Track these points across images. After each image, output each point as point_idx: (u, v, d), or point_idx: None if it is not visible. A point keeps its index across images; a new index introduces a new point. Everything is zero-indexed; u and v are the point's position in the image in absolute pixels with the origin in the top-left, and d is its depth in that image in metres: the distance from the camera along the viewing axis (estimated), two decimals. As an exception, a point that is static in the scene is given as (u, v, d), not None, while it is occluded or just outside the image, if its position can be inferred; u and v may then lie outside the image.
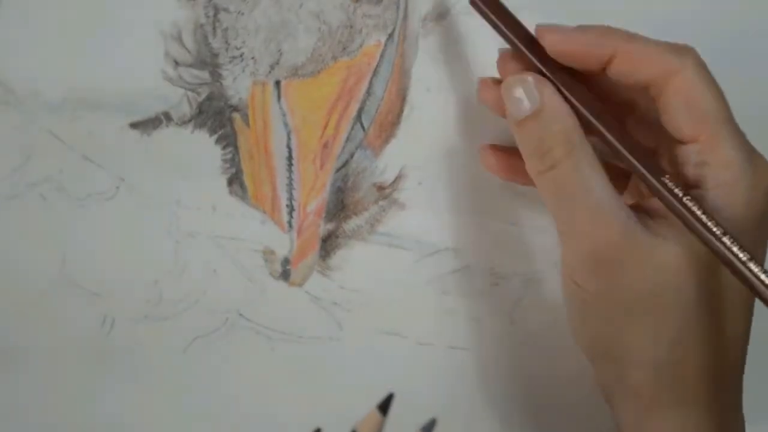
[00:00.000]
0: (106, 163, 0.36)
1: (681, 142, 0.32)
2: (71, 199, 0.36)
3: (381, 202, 0.38)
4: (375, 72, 0.37)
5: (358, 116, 0.37)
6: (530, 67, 0.33)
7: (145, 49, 0.35)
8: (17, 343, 0.37)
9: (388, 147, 0.38)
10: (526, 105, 0.32)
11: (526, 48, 0.33)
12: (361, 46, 0.36)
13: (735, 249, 0.30)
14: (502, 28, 0.33)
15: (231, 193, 0.37)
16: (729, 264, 0.30)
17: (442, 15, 0.37)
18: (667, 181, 0.31)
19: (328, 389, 0.40)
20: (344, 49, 0.36)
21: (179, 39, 0.35)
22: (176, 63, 0.35)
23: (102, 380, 0.38)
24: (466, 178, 0.38)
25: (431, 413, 0.41)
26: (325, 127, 0.37)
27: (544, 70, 0.32)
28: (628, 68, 0.32)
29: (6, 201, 0.35)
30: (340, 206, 0.38)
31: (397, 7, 0.36)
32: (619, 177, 0.36)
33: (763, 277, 0.29)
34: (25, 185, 0.35)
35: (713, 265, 0.31)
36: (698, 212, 0.30)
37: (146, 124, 0.36)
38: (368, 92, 0.37)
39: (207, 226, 0.37)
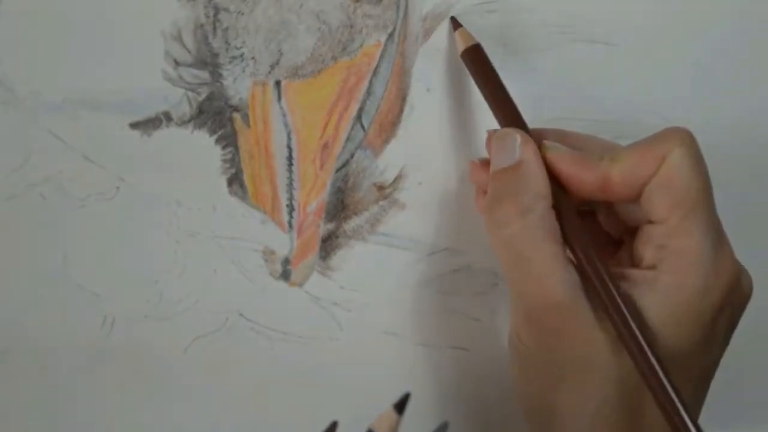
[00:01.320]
0: (106, 163, 0.36)
1: (650, 222, 0.32)
2: (71, 199, 0.36)
3: (381, 202, 0.38)
4: (375, 72, 0.37)
5: (358, 116, 0.37)
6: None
7: (145, 49, 0.35)
8: (17, 343, 0.37)
9: (388, 147, 0.38)
10: (507, 156, 0.33)
11: (510, 113, 0.34)
12: (361, 46, 0.36)
13: (665, 383, 0.30)
14: (491, 93, 0.35)
15: (231, 193, 0.37)
16: (653, 392, 0.30)
17: (442, 15, 0.37)
18: (605, 277, 0.31)
19: (328, 389, 0.40)
20: (344, 49, 0.36)
21: (179, 39, 0.35)
22: (176, 63, 0.35)
23: (102, 380, 0.38)
24: (467, 178, 0.38)
25: (430, 413, 0.41)
26: (325, 127, 0.37)
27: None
28: (626, 189, 0.32)
29: (6, 201, 0.35)
30: (340, 206, 0.38)
31: (397, 7, 0.36)
32: (608, 243, 0.36)
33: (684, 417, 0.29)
34: (25, 185, 0.35)
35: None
36: (633, 326, 0.30)
37: (146, 124, 0.35)
38: (368, 92, 0.37)
39: (207, 226, 0.37)
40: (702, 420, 0.31)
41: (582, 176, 0.32)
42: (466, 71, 0.37)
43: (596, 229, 0.36)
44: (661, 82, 0.39)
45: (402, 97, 0.37)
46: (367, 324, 0.39)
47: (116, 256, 0.37)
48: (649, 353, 0.30)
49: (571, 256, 0.32)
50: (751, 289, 0.33)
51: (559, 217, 0.32)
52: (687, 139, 0.32)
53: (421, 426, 0.40)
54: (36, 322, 0.37)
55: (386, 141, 0.38)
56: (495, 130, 0.35)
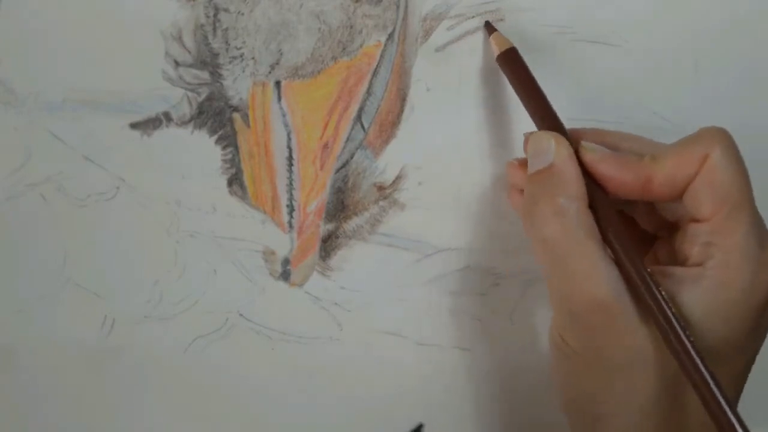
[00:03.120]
0: (106, 163, 0.36)
1: (694, 220, 0.32)
2: (71, 199, 0.36)
3: (381, 202, 0.38)
4: (375, 72, 0.37)
5: (358, 116, 0.37)
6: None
7: (145, 49, 0.35)
8: (17, 343, 0.37)
9: (388, 147, 0.38)
10: (541, 159, 0.33)
11: (546, 114, 0.34)
12: (361, 46, 0.36)
13: (713, 387, 0.30)
14: (527, 95, 0.35)
15: (231, 193, 0.37)
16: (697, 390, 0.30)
17: (442, 15, 0.37)
18: (647, 276, 0.31)
19: (328, 389, 0.40)
20: (344, 49, 0.36)
21: (179, 39, 0.35)
22: (176, 63, 0.35)
23: (102, 380, 0.38)
24: (466, 178, 0.38)
25: (431, 413, 0.41)
26: (326, 128, 0.37)
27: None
28: (667, 189, 0.32)
29: (6, 201, 0.35)
30: (340, 206, 0.38)
31: (397, 7, 0.36)
32: (643, 240, 0.36)
33: (729, 415, 0.29)
34: (25, 185, 0.35)
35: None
36: (675, 323, 0.30)
37: (146, 124, 0.35)
38: (368, 92, 0.37)
39: (207, 226, 0.37)
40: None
41: (622, 177, 0.33)
42: (466, 71, 0.37)
43: (632, 227, 0.36)
44: (661, 82, 0.39)
45: (402, 97, 0.37)
46: (367, 324, 0.39)
47: (116, 256, 0.37)
48: (691, 350, 0.30)
49: (611, 254, 0.32)
50: None
51: (598, 216, 0.32)
52: (726, 138, 0.32)
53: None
54: (36, 322, 0.37)
55: (386, 141, 0.38)
56: (532, 133, 0.35)
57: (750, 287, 0.31)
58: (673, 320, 0.30)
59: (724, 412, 0.29)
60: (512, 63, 0.35)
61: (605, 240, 0.32)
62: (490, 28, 0.36)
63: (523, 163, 0.36)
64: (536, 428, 0.42)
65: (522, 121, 0.38)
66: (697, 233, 0.32)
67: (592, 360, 0.32)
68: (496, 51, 0.36)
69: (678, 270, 0.32)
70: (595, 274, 0.31)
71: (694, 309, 0.31)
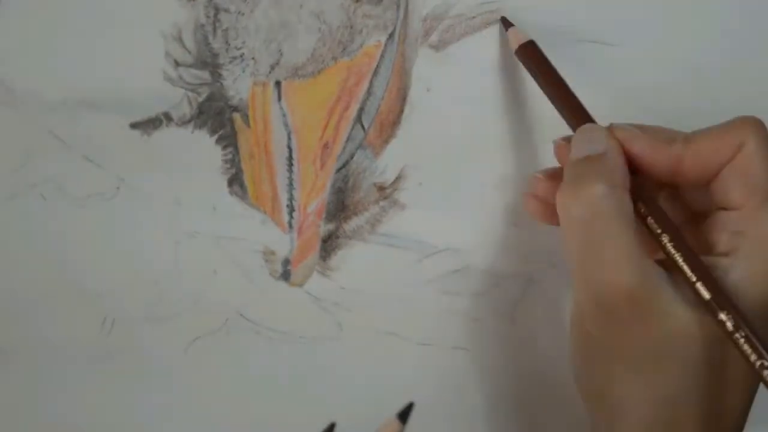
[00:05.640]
0: (106, 163, 0.36)
1: (723, 208, 0.32)
2: (71, 199, 0.36)
3: (381, 203, 0.38)
4: (375, 72, 0.37)
5: (359, 116, 0.37)
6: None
7: (145, 49, 0.35)
8: (17, 343, 0.37)
9: (388, 147, 0.38)
10: (592, 147, 0.33)
11: (574, 105, 0.35)
12: (361, 46, 0.36)
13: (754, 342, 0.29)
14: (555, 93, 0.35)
15: (231, 193, 0.37)
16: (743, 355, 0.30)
17: (442, 15, 0.37)
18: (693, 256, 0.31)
19: (328, 389, 0.40)
20: (344, 49, 0.36)
21: (179, 39, 0.35)
22: (176, 63, 0.35)
23: (102, 380, 0.38)
24: (467, 178, 0.38)
25: (430, 413, 0.41)
26: (326, 128, 0.37)
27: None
28: (698, 171, 0.32)
29: (6, 201, 0.35)
30: (340, 206, 0.38)
31: (397, 7, 0.36)
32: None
33: None
34: (25, 185, 0.35)
35: (723, 339, 0.30)
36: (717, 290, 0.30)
37: (146, 124, 0.35)
38: (368, 92, 0.37)
39: (207, 226, 0.37)
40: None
41: (654, 156, 0.33)
42: (467, 72, 0.37)
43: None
44: (661, 82, 0.39)
45: (402, 97, 0.37)
46: (367, 324, 0.39)
47: (116, 256, 0.37)
48: (739, 318, 0.29)
49: (653, 239, 0.32)
50: None
51: (637, 202, 0.32)
52: (762, 129, 0.32)
53: (420, 426, 0.40)
54: (36, 322, 0.37)
55: (386, 141, 0.38)
56: (564, 138, 0.34)
57: None
58: (722, 288, 0.30)
59: None
60: (532, 56, 0.35)
61: (645, 225, 0.32)
62: (506, 23, 0.36)
63: (550, 175, 0.35)
64: (536, 428, 0.42)
65: (521, 120, 0.38)
66: (727, 221, 0.32)
67: (616, 350, 0.32)
68: (514, 45, 0.36)
69: (708, 259, 0.32)
70: (628, 263, 0.31)
71: None
